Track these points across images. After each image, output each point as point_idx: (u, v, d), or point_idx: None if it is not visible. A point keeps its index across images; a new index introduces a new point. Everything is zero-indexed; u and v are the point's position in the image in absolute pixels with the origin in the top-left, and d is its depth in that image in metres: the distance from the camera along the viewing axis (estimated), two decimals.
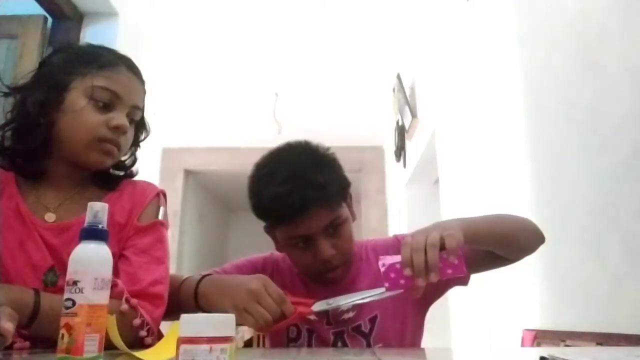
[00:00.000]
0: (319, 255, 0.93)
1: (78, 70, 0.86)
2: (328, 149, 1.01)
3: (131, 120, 0.90)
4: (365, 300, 0.87)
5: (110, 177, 0.94)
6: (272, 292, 0.82)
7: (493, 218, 0.96)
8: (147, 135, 1.01)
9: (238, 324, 0.79)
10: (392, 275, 0.79)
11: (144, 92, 0.95)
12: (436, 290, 1.02)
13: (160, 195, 0.95)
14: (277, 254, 1.10)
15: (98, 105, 0.85)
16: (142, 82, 0.94)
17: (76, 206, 0.86)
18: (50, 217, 0.85)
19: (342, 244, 0.96)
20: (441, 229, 0.79)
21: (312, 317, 0.90)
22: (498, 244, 0.92)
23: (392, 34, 3.48)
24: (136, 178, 1.00)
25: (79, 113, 0.84)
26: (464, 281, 0.99)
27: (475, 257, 0.94)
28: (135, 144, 0.98)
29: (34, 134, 0.85)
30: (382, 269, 0.80)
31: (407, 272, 0.76)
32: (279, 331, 1.01)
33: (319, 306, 0.87)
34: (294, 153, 0.99)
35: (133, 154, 0.99)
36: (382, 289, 0.81)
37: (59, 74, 0.87)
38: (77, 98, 0.85)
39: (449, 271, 0.78)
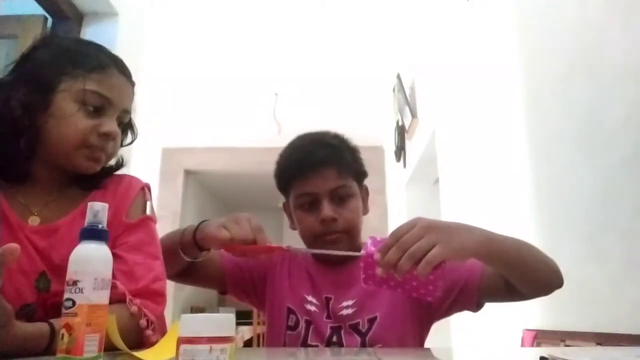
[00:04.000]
0: (320, 214, 0.99)
1: (67, 71, 0.80)
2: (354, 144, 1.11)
3: (120, 124, 0.87)
4: (337, 254, 0.94)
5: (92, 176, 0.88)
6: (252, 222, 0.86)
7: (517, 242, 0.88)
8: (135, 138, 0.96)
9: (214, 236, 0.85)
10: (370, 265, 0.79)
11: (134, 94, 0.91)
12: (439, 310, 1.02)
13: (145, 189, 0.92)
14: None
15: (88, 110, 0.81)
16: (132, 84, 0.90)
17: (60, 207, 0.84)
18: (34, 220, 0.82)
19: (345, 214, 1.01)
20: (443, 240, 0.73)
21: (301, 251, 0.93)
22: (514, 269, 0.87)
23: (392, 34, 3.48)
24: (134, 175, 0.96)
25: (69, 118, 0.79)
26: (473, 308, 1.00)
27: (491, 285, 0.95)
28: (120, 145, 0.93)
29: (18, 137, 0.79)
30: (364, 253, 0.79)
31: (377, 256, 0.75)
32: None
33: (292, 249, 0.91)
34: (320, 132, 1.10)
35: (119, 157, 0.94)
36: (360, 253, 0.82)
37: (46, 74, 0.81)
38: (66, 101, 0.80)
39: (414, 294, 0.78)
